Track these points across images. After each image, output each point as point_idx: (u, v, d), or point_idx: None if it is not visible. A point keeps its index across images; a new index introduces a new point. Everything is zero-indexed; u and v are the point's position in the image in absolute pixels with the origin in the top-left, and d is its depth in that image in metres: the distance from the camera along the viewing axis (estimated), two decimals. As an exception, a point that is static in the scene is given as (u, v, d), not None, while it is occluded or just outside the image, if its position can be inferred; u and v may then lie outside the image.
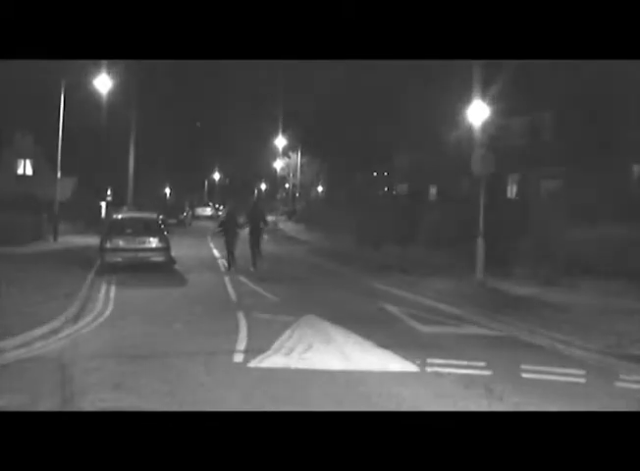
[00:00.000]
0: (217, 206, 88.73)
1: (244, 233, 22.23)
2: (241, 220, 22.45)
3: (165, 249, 20.12)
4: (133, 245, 19.84)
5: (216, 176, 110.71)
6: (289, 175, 75.87)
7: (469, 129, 20.22)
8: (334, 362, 9.27)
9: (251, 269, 20.88)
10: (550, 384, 8.54)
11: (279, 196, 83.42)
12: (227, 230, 21.65)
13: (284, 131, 59.07)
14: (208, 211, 77.12)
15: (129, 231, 20.40)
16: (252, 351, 9.75)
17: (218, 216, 25.72)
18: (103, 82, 32.32)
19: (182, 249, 25.92)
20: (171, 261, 20.96)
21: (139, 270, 19.36)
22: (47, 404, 7.02)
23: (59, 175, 32.48)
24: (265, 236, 24.19)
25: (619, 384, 8.64)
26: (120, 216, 23.09)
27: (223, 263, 22.91)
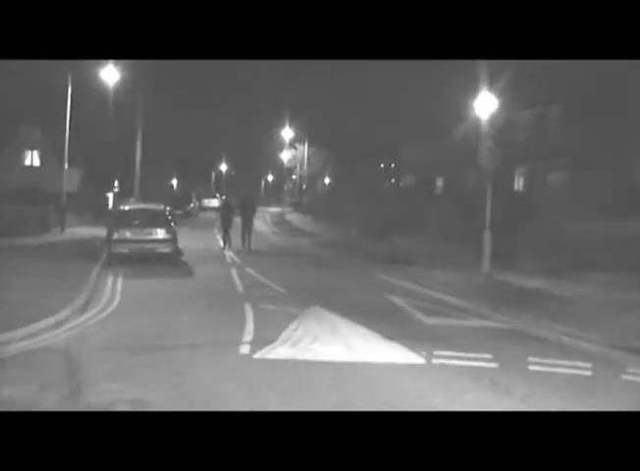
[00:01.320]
0: (224, 197, 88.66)
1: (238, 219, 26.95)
2: (237, 211, 27.63)
3: (172, 241, 20.13)
4: (139, 237, 19.83)
5: (223, 167, 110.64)
6: (295, 166, 75.84)
7: (476, 121, 20.16)
8: (339, 354, 9.28)
9: (243, 248, 25.28)
10: (556, 376, 8.54)
11: (286, 188, 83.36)
12: (224, 217, 26.84)
13: (291, 123, 59.01)
14: (215, 202, 76.65)
15: (136, 222, 20.39)
16: (259, 343, 9.76)
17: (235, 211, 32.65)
18: (110, 74, 32.38)
19: (188, 241, 25.96)
20: (178, 252, 20.99)
21: (146, 261, 19.39)
22: (54, 395, 7.06)
23: (66, 166, 32.55)
24: (275, 229, 32.14)
25: (625, 377, 8.64)
26: (127, 207, 23.06)
27: (230, 254, 23.38)
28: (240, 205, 27.36)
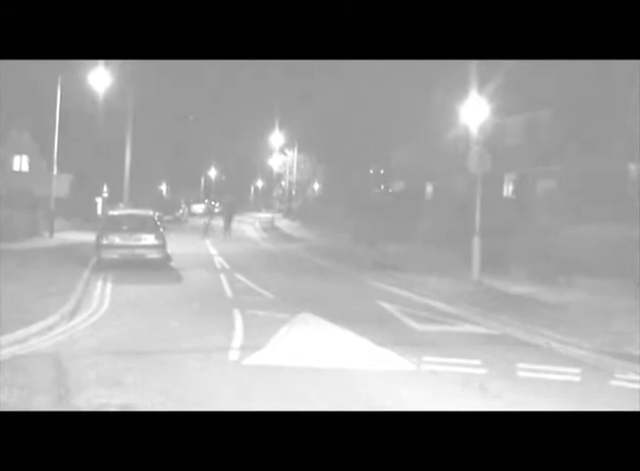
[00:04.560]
0: (213, 203, 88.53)
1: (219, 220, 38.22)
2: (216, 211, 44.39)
3: (161, 246, 20.09)
4: (128, 242, 19.77)
5: (212, 172, 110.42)
6: (285, 172, 75.79)
7: (466, 126, 20.20)
8: (329, 360, 9.27)
9: (223, 237, 34.80)
10: (545, 382, 8.56)
11: (275, 194, 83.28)
12: (208, 217, 39.89)
13: (280, 129, 59.00)
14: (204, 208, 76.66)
15: (125, 227, 20.33)
16: (248, 349, 9.74)
17: (214, 212, 43.63)
18: (99, 79, 32.31)
19: (178, 246, 25.89)
20: (167, 258, 20.93)
21: (135, 267, 19.34)
22: (43, 401, 7.02)
23: (55, 171, 32.45)
24: (265, 235, 40.44)
25: (615, 382, 8.66)
26: (116, 212, 23.00)
27: (219, 260, 23.36)
28: (223, 209, 41.36)
